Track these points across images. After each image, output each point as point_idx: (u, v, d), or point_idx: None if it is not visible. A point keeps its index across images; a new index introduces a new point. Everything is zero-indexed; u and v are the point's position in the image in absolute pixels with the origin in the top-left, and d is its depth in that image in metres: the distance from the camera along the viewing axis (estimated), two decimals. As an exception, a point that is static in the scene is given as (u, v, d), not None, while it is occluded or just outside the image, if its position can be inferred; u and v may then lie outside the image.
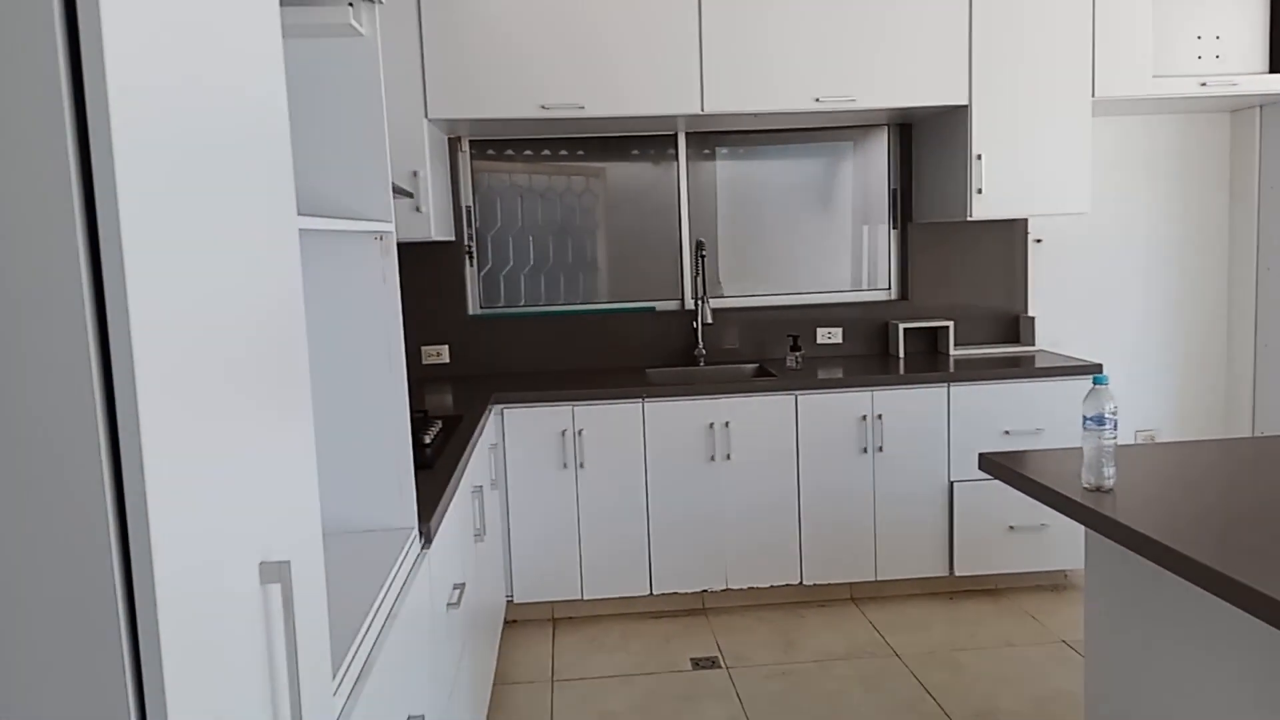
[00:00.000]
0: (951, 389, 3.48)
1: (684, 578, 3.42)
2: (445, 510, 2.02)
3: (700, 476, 3.39)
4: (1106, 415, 1.94)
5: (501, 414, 3.30)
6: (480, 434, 2.84)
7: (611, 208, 4.00)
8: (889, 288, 4.10)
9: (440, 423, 2.67)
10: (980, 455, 2.28)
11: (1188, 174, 4.11)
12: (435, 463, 2.28)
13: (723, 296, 4.02)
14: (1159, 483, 2.02)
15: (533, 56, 3.34)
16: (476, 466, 2.68)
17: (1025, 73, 3.53)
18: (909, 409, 3.46)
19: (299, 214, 1.65)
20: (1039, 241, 4.06)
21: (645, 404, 3.35)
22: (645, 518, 3.38)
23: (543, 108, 3.36)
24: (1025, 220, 4.02)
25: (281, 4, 1.65)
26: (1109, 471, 1.95)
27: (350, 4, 1.68)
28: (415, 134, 3.28)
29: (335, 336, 1.72)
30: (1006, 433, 3.49)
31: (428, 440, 2.45)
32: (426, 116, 3.31)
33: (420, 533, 1.79)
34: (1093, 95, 3.57)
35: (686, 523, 3.40)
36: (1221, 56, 3.63)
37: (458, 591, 2.06)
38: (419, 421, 2.63)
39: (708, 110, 3.43)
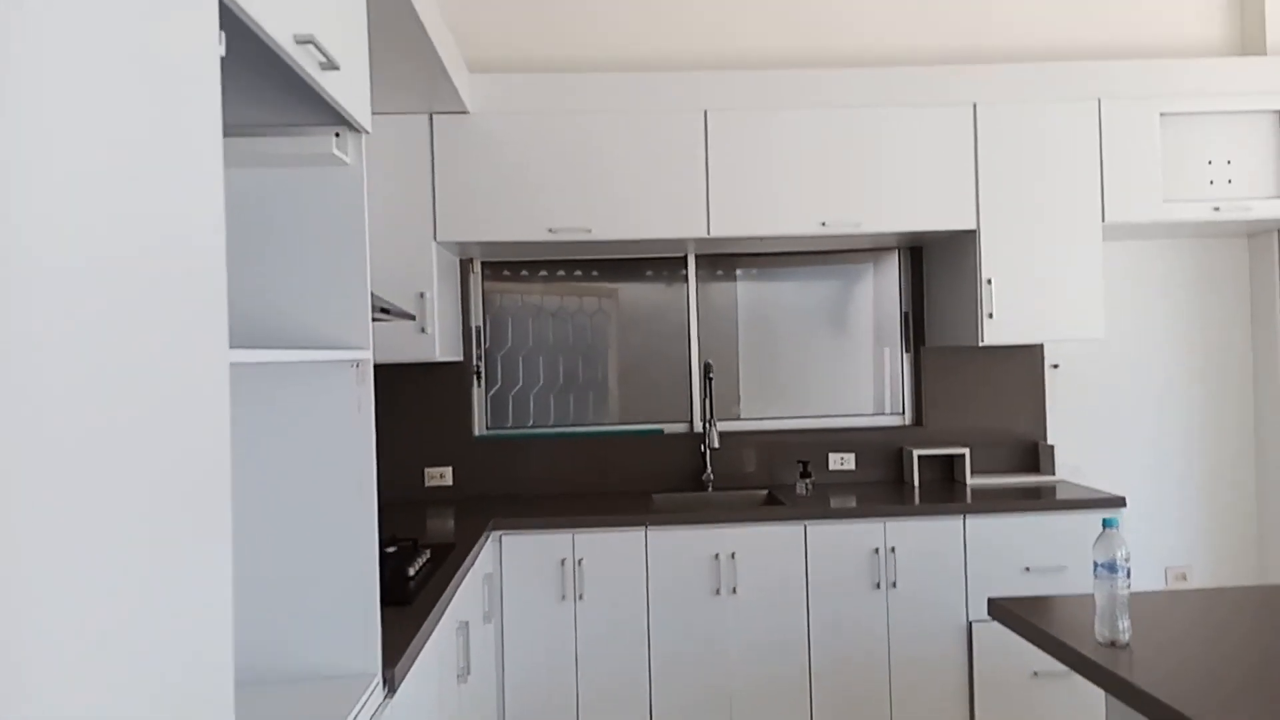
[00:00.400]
0: (968, 521, 3.34)
1: None
2: (418, 652, 1.91)
3: (705, 610, 3.24)
4: (1119, 562, 1.82)
5: (500, 540, 3.20)
6: (474, 563, 2.74)
7: (623, 328, 3.98)
8: (903, 412, 4.00)
9: (429, 553, 2.58)
10: (990, 601, 2.14)
11: (1207, 298, 4.03)
12: (416, 597, 2.18)
13: (737, 419, 3.94)
14: (1180, 636, 1.87)
15: (541, 181, 3.38)
16: (466, 600, 2.57)
17: (1034, 197, 3.52)
18: (924, 542, 3.32)
19: (273, 345, 1.62)
20: (1056, 367, 3.97)
21: (649, 532, 3.24)
22: (646, 654, 3.22)
23: (550, 231, 3.39)
24: (1041, 345, 3.94)
25: (266, 134, 1.67)
26: (1124, 624, 1.82)
27: (337, 134, 1.70)
28: (424, 256, 3.31)
29: (303, 466, 1.66)
30: (1027, 569, 3.32)
31: (412, 572, 2.36)
32: (435, 239, 3.34)
33: (384, 680, 1.68)
34: (1103, 220, 3.54)
35: (690, 661, 3.23)
36: (1234, 181, 3.60)
37: (428, 740, 1.93)
38: (407, 551, 2.55)
39: (714, 234, 3.44)
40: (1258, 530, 3.99)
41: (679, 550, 3.24)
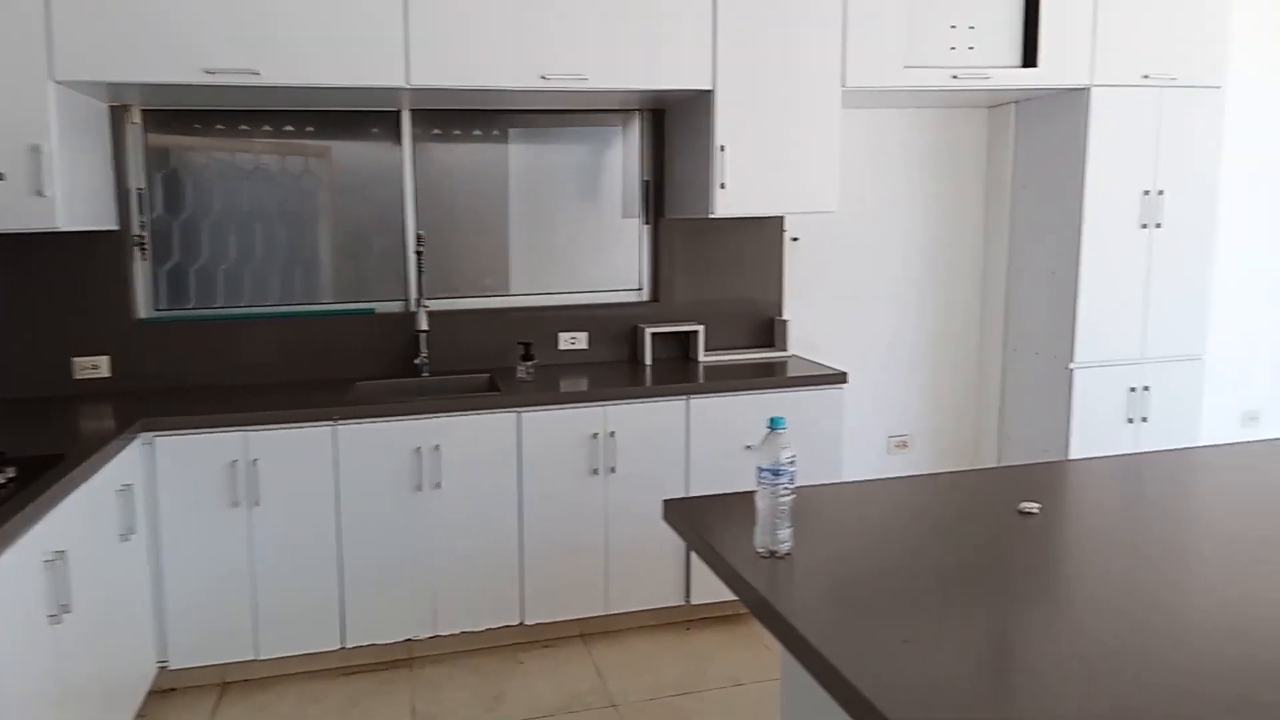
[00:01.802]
0: (693, 401, 3.18)
1: (384, 626, 2.97)
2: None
3: (405, 509, 2.94)
4: (782, 466, 1.63)
5: (152, 443, 2.73)
6: (93, 475, 2.29)
7: (337, 193, 3.47)
8: (640, 288, 3.76)
9: (14, 470, 2.09)
10: (665, 504, 1.94)
11: (946, 172, 3.99)
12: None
13: (456, 296, 3.57)
14: (851, 541, 1.73)
15: (194, 8, 2.76)
16: (67, 522, 2.12)
17: (774, 57, 3.25)
18: (646, 424, 3.14)
19: None
20: (795, 240, 3.84)
21: (339, 427, 2.87)
22: (337, 560, 2.90)
23: (208, 73, 2.80)
24: (782, 218, 3.78)
25: None
26: (784, 534, 1.65)
27: None
28: (35, 100, 2.65)
29: None
30: (749, 447, 3.23)
31: (-23, 498, 1.89)
32: (53, 78, 2.68)
33: None
34: (843, 85, 3.33)
35: (388, 563, 2.95)
36: (975, 48, 3.47)
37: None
38: (-16, 468, 2.06)
39: (415, 84, 2.96)
40: (976, 401, 4.11)
41: (375, 445, 2.90)
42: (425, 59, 2.96)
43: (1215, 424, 4.01)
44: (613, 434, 3.10)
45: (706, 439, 3.19)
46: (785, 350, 3.73)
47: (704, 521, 1.83)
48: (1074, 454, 3.56)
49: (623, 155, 3.72)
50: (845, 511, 1.90)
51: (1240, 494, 2.00)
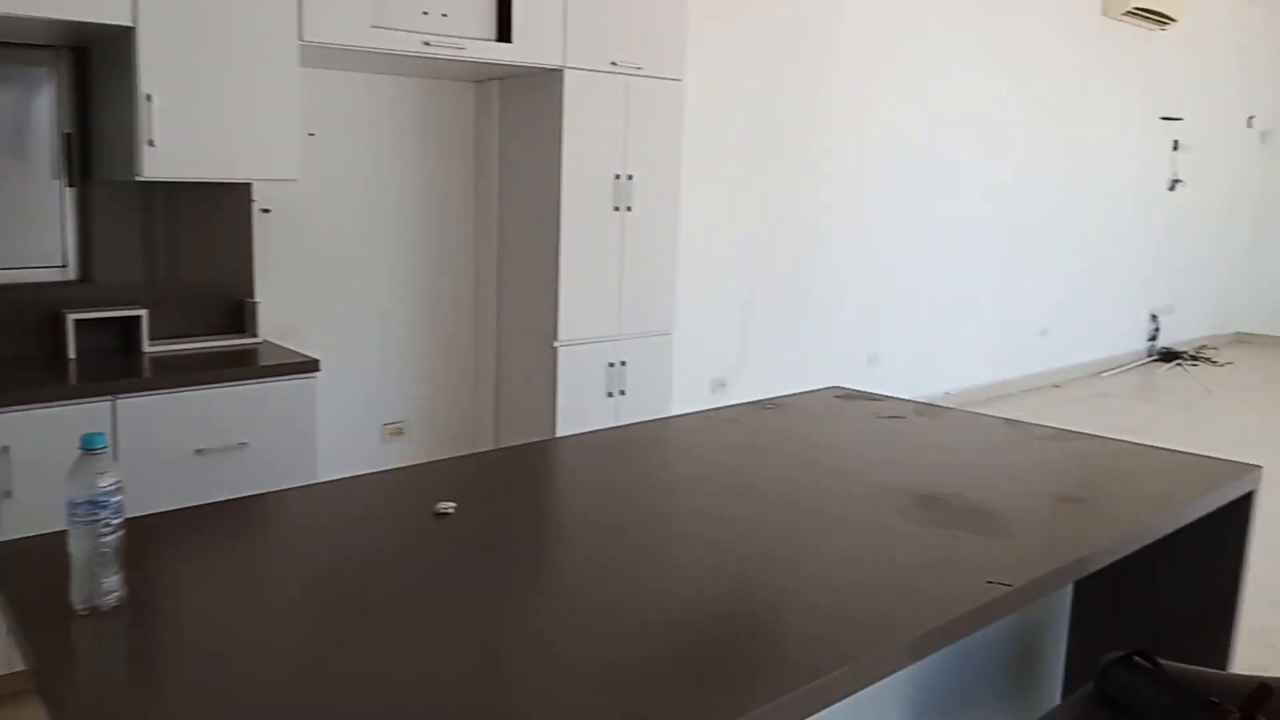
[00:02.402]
0: (121, 403, 2.65)
1: None
2: None
3: None
4: (103, 496, 1.28)
5: None
6: None
7: None
8: (65, 264, 3.09)
9: None
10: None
11: (436, 147, 3.82)
12: None
13: None
14: (211, 571, 1.43)
15: None
16: None
17: (213, -1, 2.80)
18: (54, 436, 2.54)
19: None
20: (267, 212, 3.42)
21: None
22: None
23: None
24: (249, 186, 3.34)
25: None
26: (109, 583, 1.30)
27: None
28: None
29: None
30: (200, 452, 2.79)
31: None
32: None
33: None
34: (301, 39, 2.98)
35: None
36: (450, 16, 3.31)
37: None
38: None
39: None
40: (474, 381, 4.04)
41: None
42: None
43: (689, 392, 4.35)
44: (5, 449, 2.48)
45: (143, 447, 2.68)
46: (256, 336, 3.31)
47: (28, 571, 1.42)
48: (561, 430, 3.62)
49: (50, 103, 3.01)
50: (239, 533, 1.60)
51: (652, 466, 2.05)
